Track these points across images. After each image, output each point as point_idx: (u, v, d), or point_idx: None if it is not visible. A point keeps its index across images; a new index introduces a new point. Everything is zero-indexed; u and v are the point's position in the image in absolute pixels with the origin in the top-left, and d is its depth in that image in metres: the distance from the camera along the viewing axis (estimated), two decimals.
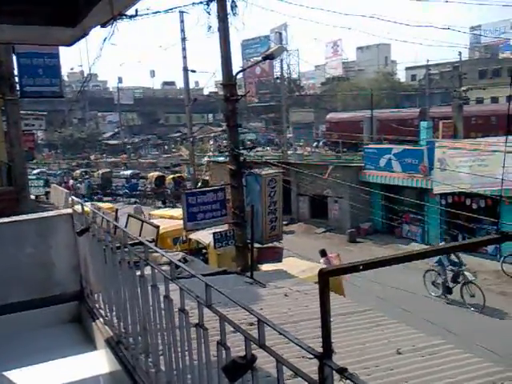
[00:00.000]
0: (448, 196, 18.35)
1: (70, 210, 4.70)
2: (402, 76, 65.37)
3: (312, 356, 1.42)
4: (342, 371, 1.29)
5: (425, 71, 45.36)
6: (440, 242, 19.10)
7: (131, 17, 3.56)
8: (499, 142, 15.97)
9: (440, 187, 17.38)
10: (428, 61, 44.00)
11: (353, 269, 1.31)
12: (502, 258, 16.26)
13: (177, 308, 2.50)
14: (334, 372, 1.39)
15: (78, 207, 4.51)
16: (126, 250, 3.27)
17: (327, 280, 1.31)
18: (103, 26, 3.95)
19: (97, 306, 4.28)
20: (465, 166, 16.74)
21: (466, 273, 13.57)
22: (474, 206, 17.57)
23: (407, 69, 63.69)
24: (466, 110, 26.73)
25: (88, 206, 4.43)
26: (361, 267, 1.31)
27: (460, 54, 36.88)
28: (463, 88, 25.56)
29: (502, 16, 53.56)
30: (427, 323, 8.83)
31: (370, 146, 23.97)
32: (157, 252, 3.40)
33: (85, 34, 4.27)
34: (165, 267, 3.29)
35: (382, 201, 20.30)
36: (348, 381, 1.36)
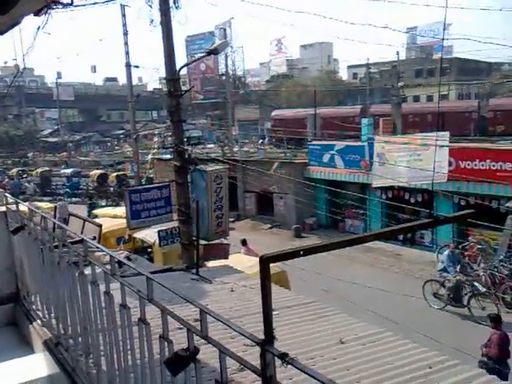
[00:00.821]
0: (388, 190, 19.03)
1: (3, 208, 4.47)
2: (344, 74, 67.12)
3: (255, 345, 1.42)
4: (284, 356, 1.30)
5: (365, 70, 46.76)
6: None
7: (66, 5, 3.41)
8: (432, 138, 16.77)
9: (378, 181, 17.98)
10: (368, 60, 45.41)
11: (293, 254, 1.32)
12: (438, 249, 17.09)
13: (118, 304, 2.43)
14: (276, 358, 1.40)
15: (12, 206, 4.29)
16: (65, 248, 3.15)
17: (268, 266, 1.31)
18: (36, 14, 3.78)
19: (34, 307, 4.10)
20: (402, 161, 17.42)
21: (475, 283, 12.84)
22: (412, 200, 18.32)
23: (349, 67, 65.43)
24: (404, 107, 27.84)
25: (24, 205, 4.23)
26: (301, 252, 1.33)
27: (398, 53, 38.30)
28: (399, 84, 26.56)
29: (438, 17, 55.99)
30: (370, 313, 9.12)
31: (313, 142, 24.41)
32: (98, 249, 3.29)
33: (17, 23, 4.07)
34: (107, 266, 3.20)
35: (326, 196, 20.75)
36: (290, 366, 1.37)
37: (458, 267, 13.39)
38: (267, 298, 1.29)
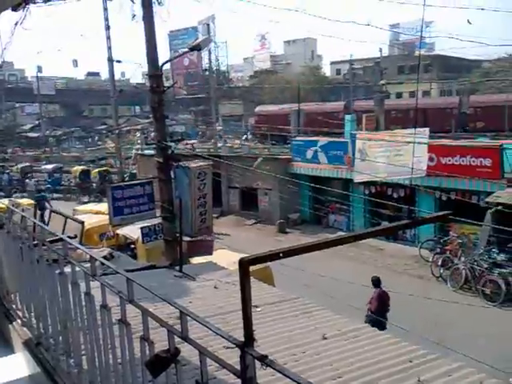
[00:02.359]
0: (371, 186, 19.19)
1: None
2: (327, 70, 67.30)
3: (233, 345, 1.42)
4: (263, 359, 1.31)
5: (348, 66, 46.94)
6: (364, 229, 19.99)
7: (45, 1, 3.34)
8: (412, 134, 16.93)
9: (360, 176, 18.11)
10: (351, 56, 45.58)
11: (273, 256, 1.32)
12: (420, 244, 17.33)
13: (99, 305, 2.41)
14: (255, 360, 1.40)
15: None
16: (44, 247, 3.11)
17: (247, 269, 1.31)
18: (14, 9, 3.71)
19: (14, 306, 4.05)
20: (383, 156, 17.55)
21: None
22: (395, 196, 18.52)
23: (332, 63, 65.64)
24: (387, 104, 28.05)
25: (2, 203, 4.15)
26: (281, 255, 1.33)
27: (381, 50, 38.52)
28: (382, 82, 26.75)
29: (420, 15, 56.54)
30: (352, 308, 9.21)
31: (297, 138, 24.46)
32: (78, 248, 3.26)
33: None
34: (88, 264, 3.17)
35: (310, 192, 20.84)
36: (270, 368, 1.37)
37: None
38: (246, 301, 1.29)
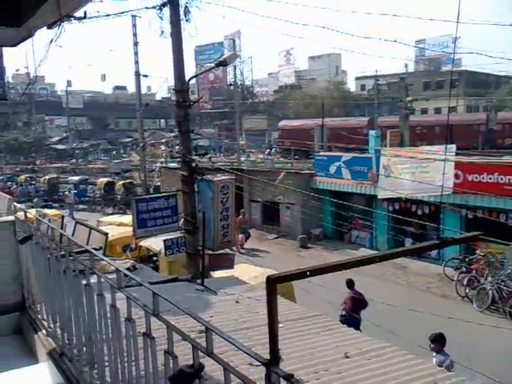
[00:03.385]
0: (395, 202, 18.96)
1: (11, 218, 4.50)
2: (351, 86, 67.25)
3: (259, 363, 1.42)
4: (289, 378, 1.30)
5: (373, 81, 46.83)
6: (387, 247, 19.74)
7: (79, 19, 3.47)
8: (439, 151, 16.72)
9: (384, 193, 17.94)
10: (376, 71, 45.47)
11: (300, 275, 1.32)
12: (445, 262, 16.97)
13: (123, 317, 2.44)
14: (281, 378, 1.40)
15: (20, 214, 4.32)
16: (71, 258, 3.16)
17: (275, 286, 1.31)
18: (50, 27, 3.84)
19: (39, 316, 4.11)
20: (408, 173, 17.37)
21: None
22: (419, 212, 18.24)
23: (357, 79, 65.56)
24: (412, 119, 27.83)
25: (31, 213, 4.25)
26: (308, 273, 1.33)
27: (406, 65, 38.38)
28: (408, 98, 26.58)
29: (445, 31, 56.19)
30: (375, 327, 9.05)
31: (320, 153, 24.41)
32: (103, 260, 3.30)
33: (30, 35, 4.13)
34: (112, 276, 3.21)
35: (332, 207, 20.70)
36: None
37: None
38: (273, 319, 1.29)
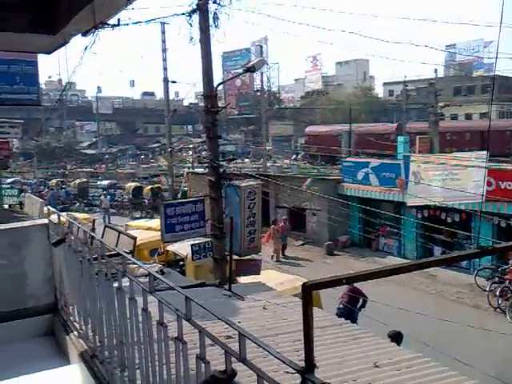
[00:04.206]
0: (424, 210, 18.63)
1: (45, 221, 4.61)
2: (379, 91, 66.58)
3: (293, 370, 1.40)
4: None
5: (402, 87, 46.24)
6: (416, 255, 19.39)
7: (113, 26, 3.54)
8: (471, 157, 16.36)
9: (413, 200, 17.64)
10: (405, 77, 44.88)
11: (336, 282, 1.30)
12: (476, 272, 16.53)
13: (155, 321, 2.45)
14: None
15: (54, 217, 4.42)
16: (104, 261, 3.21)
17: (310, 293, 1.30)
18: (84, 34, 3.92)
19: (71, 318, 4.18)
20: (438, 180, 17.06)
21: None
22: (449, 220, 17.87)
23: (385, 84, 64.86)
24: (442, 125, 27.34)
25: (64, 217, 4.34)
26: (344, 281, 1.31)
27: (436, 70, 37.80)
28: (440, 104, 26.14)
29: (476, 35, 55.24)
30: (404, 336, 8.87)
31: (347, 159, 24.21)
32: (135, 264, 3.34)
33: (65, 42, 4.23)
34: (142, 279, 3.24)
35: (360, 214, 20.48)
36: None
37: None
38: (309, 325, 1.27)
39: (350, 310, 11.00)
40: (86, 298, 3.66)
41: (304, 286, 1.29)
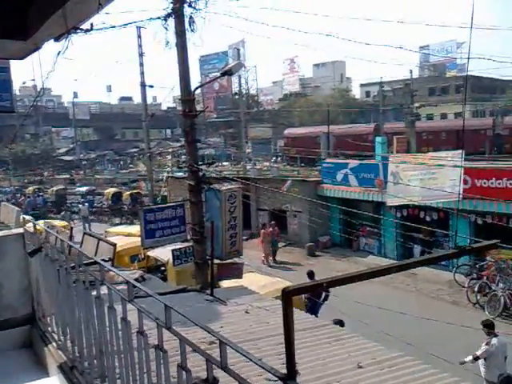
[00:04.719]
0: (403, 209, 18.85)
1: (20, 230, 4.50)
2: (356, 92, 67.26)
3: (276, 378, 1.39)
4: None
5: (378, 88, 46.82)
6: (396, 254, 19.60)
7: (86, 31, 3.49)
8: (447, 157, 16.63)
9: (393, 200, 17.84)
10: (381, 78, 45.46)
11: (316, 287, 1.29)
12: (455, 269, 16.80)
13: (134, 330, 2.41)
14: None
15: (30, 226, 4.32)
16: (81, 269, 3.15)
17: (290, 299, 1.28)
18: (57, 39, 3.85)
19: (49, 329, 4.09)
20: (416, 180, 17.29)
21: None
22: (428, 219, 18.12)
23: (361, 85, 65.60)
24: (418, 125, 27.76)
25: (40, 225, 4.25)
26: (324, 285, 1.30)
27: (411, 71, 38.35)
28: (416, 105, 26.54)
29: (449, 36, 56.24)
30: (387, 336, 8.95)
31: (327, 160, 24.37)
32: (111, 271, 3.28)
33: (37, 48, 4.15)
34: (121, 286, 3.19)
35: (340, 215, 20.62)
36: None
37: None
38: (290, 332, 1.26)
39: (313, 303, 11.44)
40: (64, 308, 3.58)
41: (284, 291, 1.27)
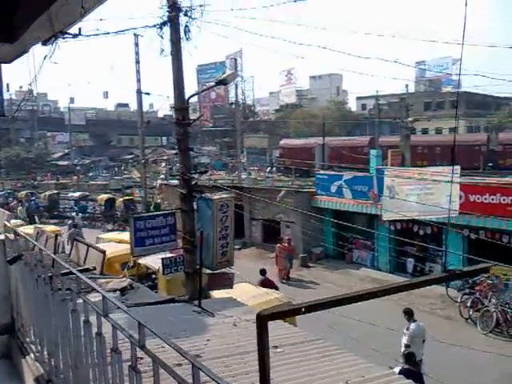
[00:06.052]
0: (397, 223, 18.79)
1: (1, 236, 4.37)
2: (352, 105, 67.62)
3: None
4: None
5: (374, 101, 47.03)
6: (389, 267, 19.50)
7: (75, 36, 3.41)
8: (443, 172, 16.62)
9: (389, 214, 17.77)
10: (377, 92, 45.67)
11: (294, 312, 1.20)
12: (447, 284, 16.71)
13: (109, 347, 2.30)
14: None
15: (11, 234, 4.20)
16: (58, 280, 3.03)
17: (266, 324, 1.18)
18: (44, 43, 3.78)
19: (28, 340, 3.95)
20: (413, 194, 17.24)
21: None
22: (421, 233, 18.07)
23: (358, 98, 65.93)
24: (413, 139, 27.84)
25: (21, 232, 4.12)
26: (303, 310, 1.20)
27: (407, 86, 38.56)
28: (410, 119, 26.64)
29: (445, 52, 56.70)
30: (370, 350, 8.83)
31: (321, 171, 24.34)
32: (87, 283, 3.15)
33: (25, 51, 4.08)
34: (97, 299, 3.07)
35: (333, 226, 20.53)
36: None
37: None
38: (264, 357, 1.16)
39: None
40: (42, 320, 3.45)
41: (258, 316, 1.17)
